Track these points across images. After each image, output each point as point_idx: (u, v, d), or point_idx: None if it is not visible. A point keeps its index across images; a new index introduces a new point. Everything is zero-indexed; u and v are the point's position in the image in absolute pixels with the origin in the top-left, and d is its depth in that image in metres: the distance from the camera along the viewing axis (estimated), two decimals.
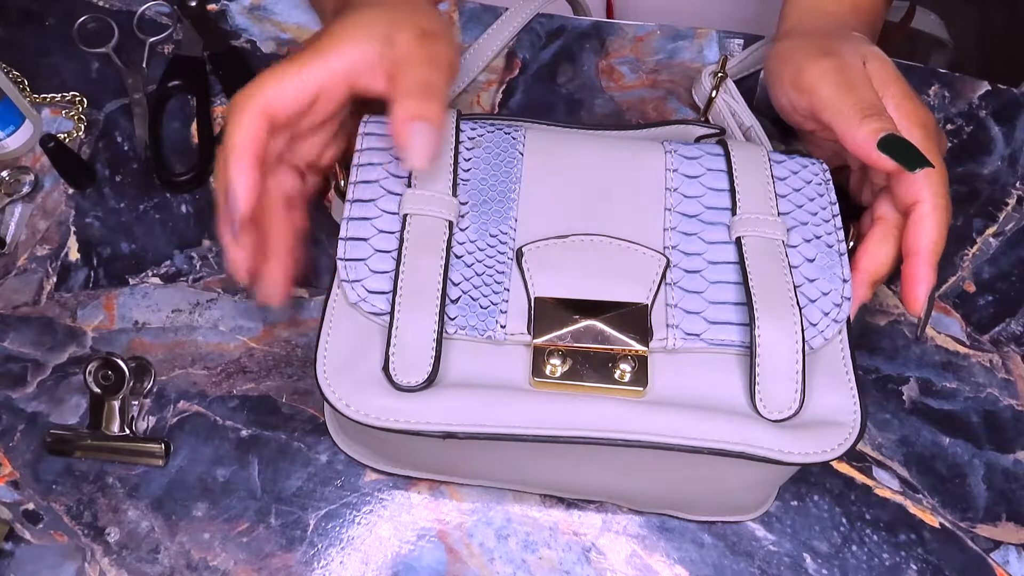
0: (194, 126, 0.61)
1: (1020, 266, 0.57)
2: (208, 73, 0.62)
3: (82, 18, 0.64)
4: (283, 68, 0.43)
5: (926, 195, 0.45)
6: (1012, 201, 0.59)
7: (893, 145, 0.44)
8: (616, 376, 0.41)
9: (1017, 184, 0.60)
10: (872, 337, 0.55)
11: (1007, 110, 0.62)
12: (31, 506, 0.49)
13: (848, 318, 0.44)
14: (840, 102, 0.46)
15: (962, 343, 0.55)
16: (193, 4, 0.63)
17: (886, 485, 0.51)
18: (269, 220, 0.46)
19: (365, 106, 0.47)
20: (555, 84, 0.63)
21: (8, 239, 0.56)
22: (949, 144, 0.61)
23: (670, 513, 0.49)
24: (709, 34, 0.65)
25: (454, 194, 0.45)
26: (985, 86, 0.63)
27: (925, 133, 0.46)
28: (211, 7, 0.65)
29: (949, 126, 0.62)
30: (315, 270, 0.56)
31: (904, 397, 0.53)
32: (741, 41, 0.65)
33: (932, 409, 0.53)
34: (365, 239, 0.44)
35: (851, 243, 0.47)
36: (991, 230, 0.59)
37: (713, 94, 0.59)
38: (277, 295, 0.46)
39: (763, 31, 0.64)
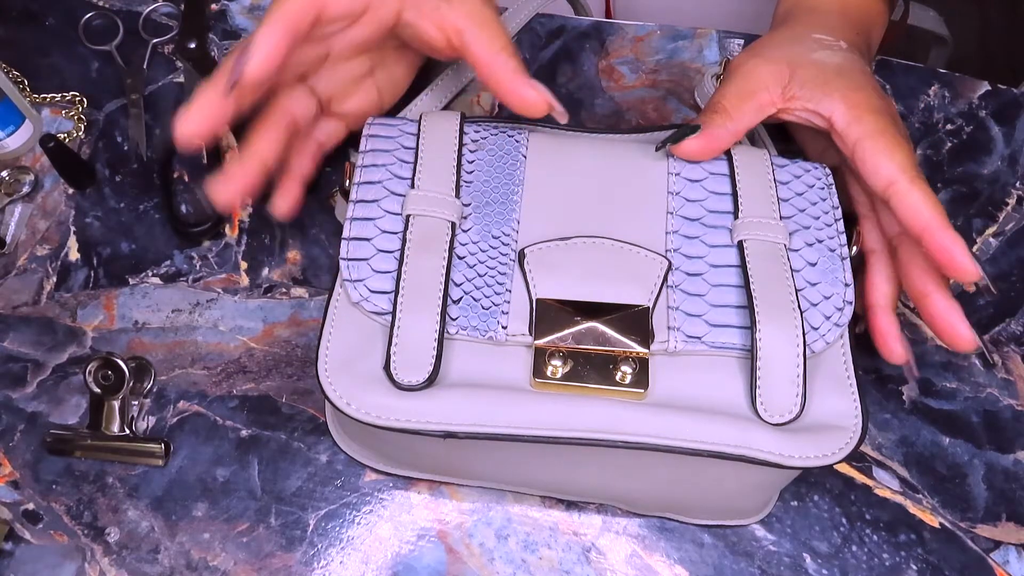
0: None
1: (1020, 266, 0.57)
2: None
3: (88, 14, 0.64)
4: None
5: (896, 174, 0.43)
6: (1012, 201, 0.59)
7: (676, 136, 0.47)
8: (617, 378, 0.41)
9: (1017, 184, 0.60)
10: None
11: (1007, 110, 0.62)
12: (31, 506, 0.49)
13: (849, 323, 0.44)
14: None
15: None
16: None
17: (886, 485, 0.51)
18: (271, 133, 0.46)
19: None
20: (555, 84, 0.63)
21: (8, 239, 0.56)
22: (949, 144, 0.61)
23: (670, 516, 0.49)
24: (709, 34, 0.65)
25: (457, 196, 0.45)
26: (985, 86, 0.63)
27: (876, 117, 0.45)
28: (212, 7, 0.65)
29: (949, 126, 0.62)
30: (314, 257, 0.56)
31: (904, 397, 0.53)
32: (741, 41, 0.65)
33: (932, 409, 0.53)
34: (368, 239, 0.44)
35: (854, 248, 0.47)
36: (991, 230, 0.59)
37: None
38: (286, 207, 0.47)
39: (763, 31, 0.64)
